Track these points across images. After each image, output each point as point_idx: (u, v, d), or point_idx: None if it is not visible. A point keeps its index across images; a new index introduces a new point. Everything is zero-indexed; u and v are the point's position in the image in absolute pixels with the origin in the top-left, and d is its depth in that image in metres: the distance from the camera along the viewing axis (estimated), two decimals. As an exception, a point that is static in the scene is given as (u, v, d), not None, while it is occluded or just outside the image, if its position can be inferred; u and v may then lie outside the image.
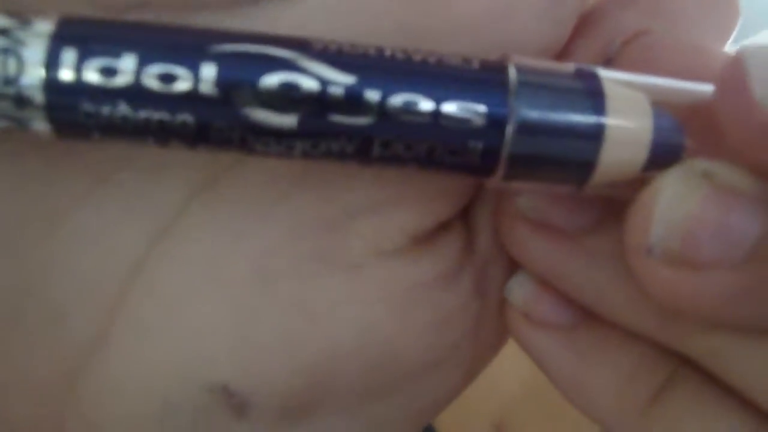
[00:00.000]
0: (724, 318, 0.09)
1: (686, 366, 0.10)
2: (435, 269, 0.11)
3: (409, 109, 0.09)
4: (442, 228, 0.11)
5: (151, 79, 0.09)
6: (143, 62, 0.09)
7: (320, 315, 0.10)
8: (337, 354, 0.10)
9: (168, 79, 0.09)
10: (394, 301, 0.11)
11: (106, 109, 0.09)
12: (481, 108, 0.09)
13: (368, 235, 0.10)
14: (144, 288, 0.10)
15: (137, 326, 0.10)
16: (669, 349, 0.10)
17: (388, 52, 0.09)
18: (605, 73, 0.09)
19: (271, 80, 0.09)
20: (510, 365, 0.38)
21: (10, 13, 0.09)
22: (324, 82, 0.09)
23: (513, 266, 0.12)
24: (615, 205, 0.10)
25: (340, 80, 0.09)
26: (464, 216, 0.12)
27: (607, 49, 0.12)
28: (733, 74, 0.08)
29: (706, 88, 0.09)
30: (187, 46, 0.09)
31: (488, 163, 0.09)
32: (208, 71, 0.09)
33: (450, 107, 0.09)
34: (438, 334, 0.11)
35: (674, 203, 0.08)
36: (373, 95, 0.09)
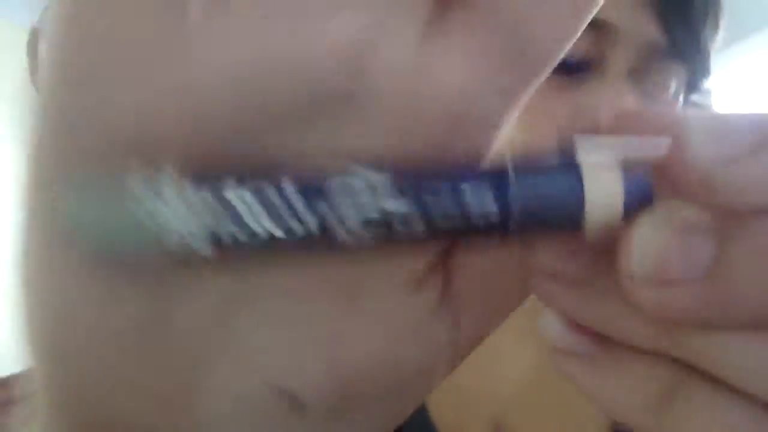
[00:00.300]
0: (700, 321, 0.12)
1: (691, 371, 0.13)
2: (425, 301, 0.14)
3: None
4: (429, 267, 0.14)
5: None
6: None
7: (357, 337, 0.14)
8: (369, 367, 0.14)
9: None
10: (398, 327, 0.14)
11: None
12: (492, 194, 0.12)
13: (381, 278, 0.14)
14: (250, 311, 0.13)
15: (241, 343, 0.13)
16: (672, 357, 0.13)
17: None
18: (583, 142, 0.12)
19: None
20: (510, 366, 0.42)
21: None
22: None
23: (486, 298, 0.16)
24: (610, 250, 0.13)
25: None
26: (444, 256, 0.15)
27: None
28: (677, 137, 0.12)
29: (664, 143, 0.12)
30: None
31: (501, 233, 0.12)
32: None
33: (474, 196, 0.12)
34: (424, 347, 0.15)
35: (646, 240, 0.12)
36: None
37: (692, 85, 0.42)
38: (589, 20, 0.13)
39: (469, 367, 0.33)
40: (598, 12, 0.21)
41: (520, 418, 0.40)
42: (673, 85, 0.40)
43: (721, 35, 0.48)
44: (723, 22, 0.42)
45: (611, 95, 0.37)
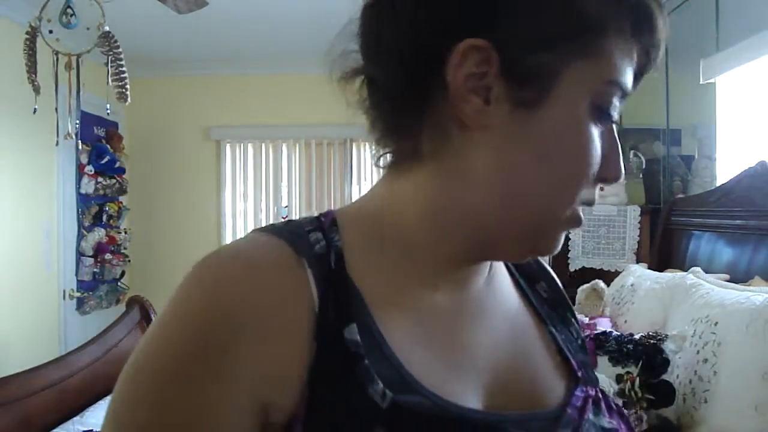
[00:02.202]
0: None
1: None
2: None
3: None
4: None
5: None
6: None
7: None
8: None
9: None
10: None
11: None
12: None
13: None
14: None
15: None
16: None
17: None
18: None
19: None
20: (488, 339, 0.51)
21: None
22: None
23: None
24: None
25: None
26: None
27: None
28: None
29: None
30: None
31: None
32: None
33: None
34: None
35: None
36: None
37: None
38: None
39: (442, 348, 0.47)
40: (629, 83, 0.44)
41: (502, 380, 0.48)
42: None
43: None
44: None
45: (617, 154, 0.47)
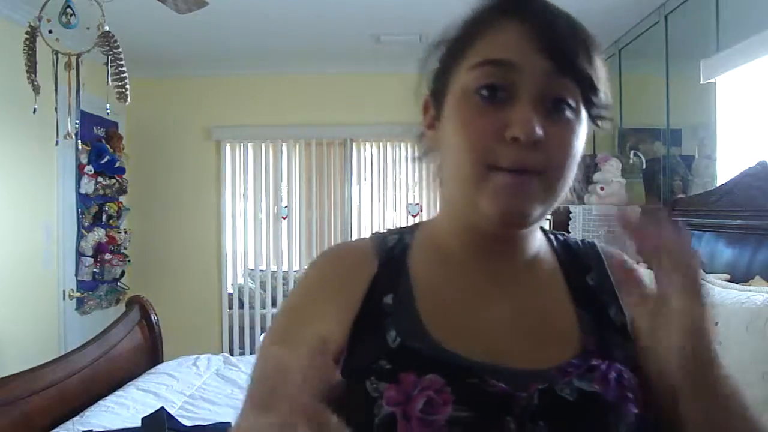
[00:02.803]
0: None
1: None
2: None
3: None
4: None
5: None
6: None
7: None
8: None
9: None
10: None
11: None
12: None
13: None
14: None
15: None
16: None
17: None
18: None
19: None
20: (496, 309, 0.64)
21: None
22: None
23: None
24: None
25: None
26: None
27: None
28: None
29: None
30: None
31: None
32: None
33: None
34: None
35: None
36: None
37: (587, 100, 0.59)
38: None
39: (462, 314, 0.62)
40: (505, 54, 0.56)
41: (509, 344, 0.60)
42: (571, 101, 0.58)
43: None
44: (597, 53, 0.61)
45: (519, 116, 0.55)
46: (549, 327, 0.62)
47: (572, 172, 0.60)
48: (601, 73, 0.61)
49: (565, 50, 0.57)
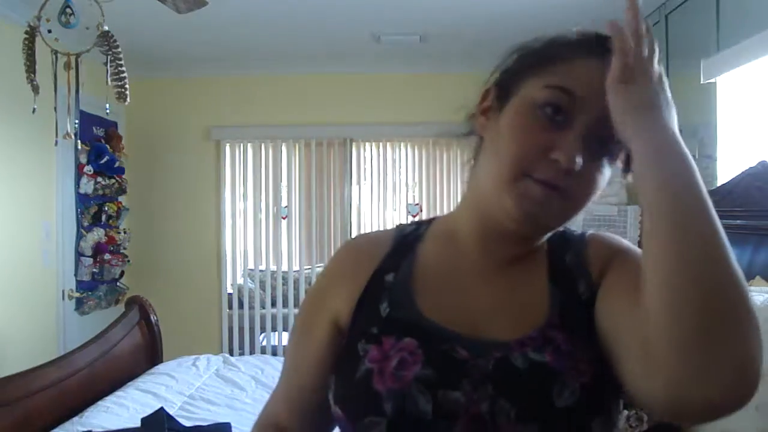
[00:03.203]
0: None
1: None
2: None
3: None
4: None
5: None
6: None
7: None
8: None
9: None
10: None
11: None
12: None
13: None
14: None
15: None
16: None
17: None
18: None
19: None
20: (479, 293, 0.72)
21: None
22: None
23: None
24: None
25: None
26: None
27: None
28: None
29: None
30: None
31: None
32: None
33: None
34: None
35: None
36: None
37: (629, 157, 0.63)
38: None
39: (453, 292, 0.71)
40: (577, 87, 0.64)
41: (486, 320, 0.68)
42: (614, 147, 0.64)
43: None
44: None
45: (567, 144, 0.62)
46: (522, 304, 0.69)
47: (588, 205, 0.66)
48: None
49: None
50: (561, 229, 0.73)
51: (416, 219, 0.83)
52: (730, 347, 0.48)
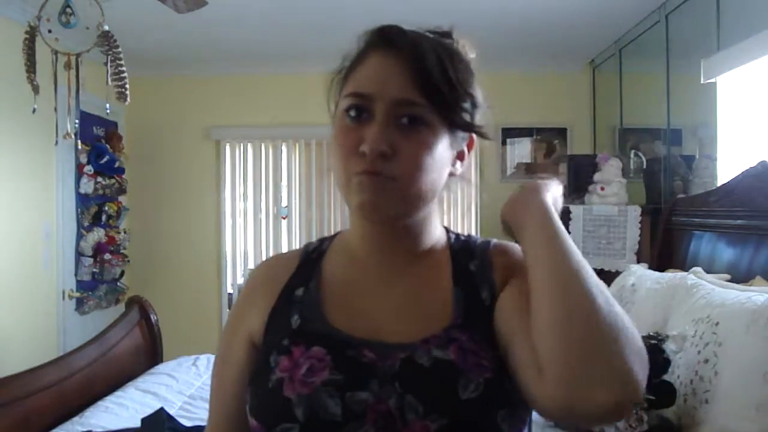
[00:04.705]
0: None
1: None
2: None
3: None
4: None
5: None
6: None
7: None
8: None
9: None
10: None
11: None
12: None
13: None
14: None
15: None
16: None
17: None
18: None
19: None
20: (383, 298, 0.76)
21: None
22: None
23: None
24: None
25: None
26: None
27: None
28: None
29: None
30: None
31: None
32: None
33: None
34: None
35: None
36: None
37: (445, 117, 0.71)
38: None
39: (357, 300, 0.75)
40: (366, 87, 0.71)
41: (392, 324, 0.72)
42: (426, 119, 0.70)
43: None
44: (460, 72, 0.72)
45: (369, 134, 0.68)
46: (427, 306, 0.73)
47: (426, 177, 0.71)
48: (466, 88, 0.72)
49: (417, 77, 0.69)
50: (464, 236, 0.81)
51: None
52: (609, 366, 0.57)
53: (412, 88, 0.69)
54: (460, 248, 0.78)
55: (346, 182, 0.71)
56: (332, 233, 0.86)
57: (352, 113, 0.71)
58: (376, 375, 0.66)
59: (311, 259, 0.80)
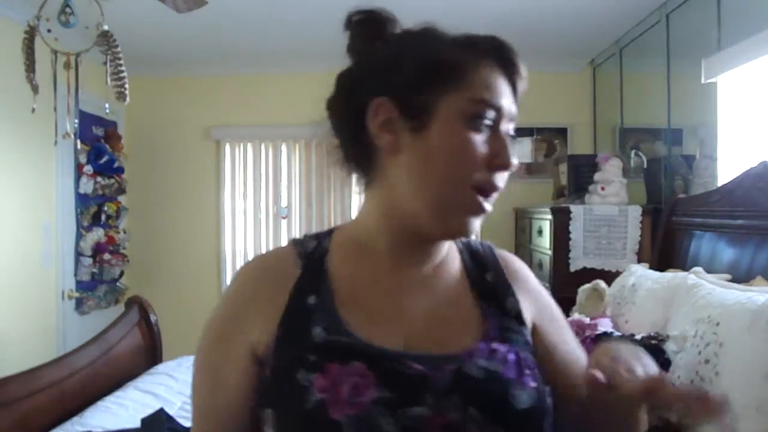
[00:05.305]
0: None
1: None
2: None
3: None
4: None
5: None
6: None
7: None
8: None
9: None
10: None
11: None
12: None
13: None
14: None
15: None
16: None
17: None
18: None
19: None
20: (412, 307, 0.73)
21: None
22: None
23: None
24: None
25: None
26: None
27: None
28: None
29: None
30: None
31: None
32: None
33: None
34: None
35: None
36: None
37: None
38: None
39: (378, 309, 0.70)
40: (496, 100, 0.68)
41: (422, 334, 0.69)
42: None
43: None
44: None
45: (503, 148, 0.68)
46: (456, 318, 0.73)
47: None
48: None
49: (516, 94, 0.71)
50: (465, 242, 0.81)
51: (310, 233, 0.82)
52: None
53: (515, 104, 0.70)
54: (468, 255, 0.79)
55: (456, 192, 0.67)
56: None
57: (479, 122, 0.67)
58: (428, 388, 0.63)
59: (314, 260, 0.73)
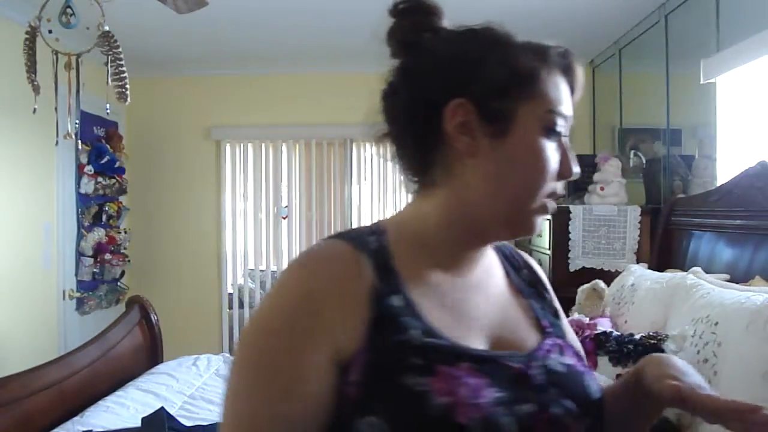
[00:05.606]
0: None
1: None
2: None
3: None
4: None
5: None
6: None
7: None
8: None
9: None
10: None
11: None
12: None
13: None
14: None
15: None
16: None
17: None
18: None
19: None
20: (485, 301, 0.73)
21: None
22: None
23: None
24: None
25: None
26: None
27: None
28: None
29: None
30: None
31: None
32: None
33: None
34: None
35: None
36: None
37: None
38: None
39: (454, 309, 0.69)
40: (568, 112, 0.71)
41: (499, 334, 0.70)
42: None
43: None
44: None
45: (570, 156, 0.71)
46: (519, 317, 0.75)
47: None
48: None
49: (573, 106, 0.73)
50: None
51: (353, 229, 0.73)
52: None
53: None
54: (501, 255, 0.82)
55: (532, 200, 0.68)
56: (335, 231, 0.76)
57: (552, 133, 0.69)
58: (531, 384, 0.65)
59: (380, 257, 0.67)
